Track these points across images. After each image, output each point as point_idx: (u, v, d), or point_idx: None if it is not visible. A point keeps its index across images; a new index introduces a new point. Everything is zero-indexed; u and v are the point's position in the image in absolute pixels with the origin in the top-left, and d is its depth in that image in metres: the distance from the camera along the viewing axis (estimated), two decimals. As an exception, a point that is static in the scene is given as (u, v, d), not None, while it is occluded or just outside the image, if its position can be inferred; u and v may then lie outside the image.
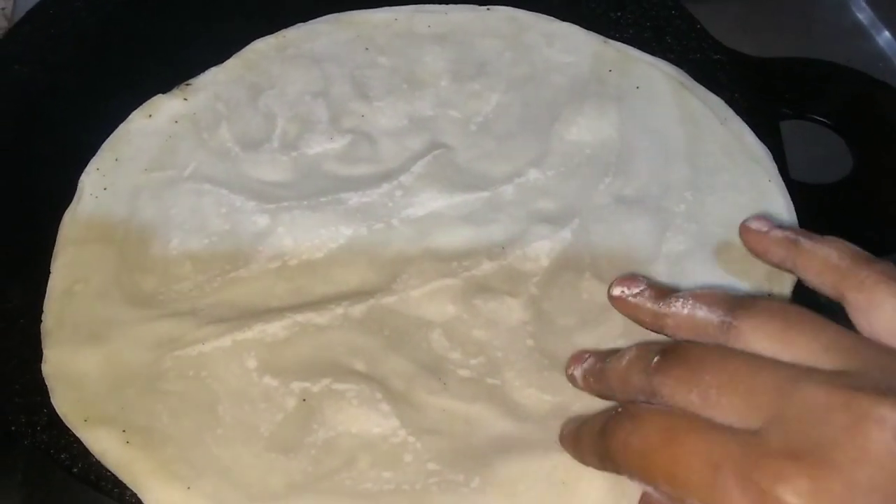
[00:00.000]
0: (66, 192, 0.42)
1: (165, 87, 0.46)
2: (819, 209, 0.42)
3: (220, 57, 0.47)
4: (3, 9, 0.57)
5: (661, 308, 0.32)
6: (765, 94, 0.46)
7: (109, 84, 0.46)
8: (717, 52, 0.47)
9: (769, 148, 0.43)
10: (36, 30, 0.46)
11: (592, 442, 0.30)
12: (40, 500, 0.35)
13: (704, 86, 0.46)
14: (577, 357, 0.35)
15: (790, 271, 0.33)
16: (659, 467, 0.27)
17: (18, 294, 0.39)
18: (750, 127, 0.44)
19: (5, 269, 0.40)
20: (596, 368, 0.33)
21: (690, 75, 0.47)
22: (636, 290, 0.34)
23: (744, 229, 0.35)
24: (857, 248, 0.32)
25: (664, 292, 0.33)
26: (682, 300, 0.32)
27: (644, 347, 0.31)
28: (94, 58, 0.47)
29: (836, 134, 0.45)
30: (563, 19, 0.49)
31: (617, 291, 0.34)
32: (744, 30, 0.58)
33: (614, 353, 0.32)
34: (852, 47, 0.59)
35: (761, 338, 0.28)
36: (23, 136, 0.44)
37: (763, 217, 0.35)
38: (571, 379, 0.35)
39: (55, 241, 0.41)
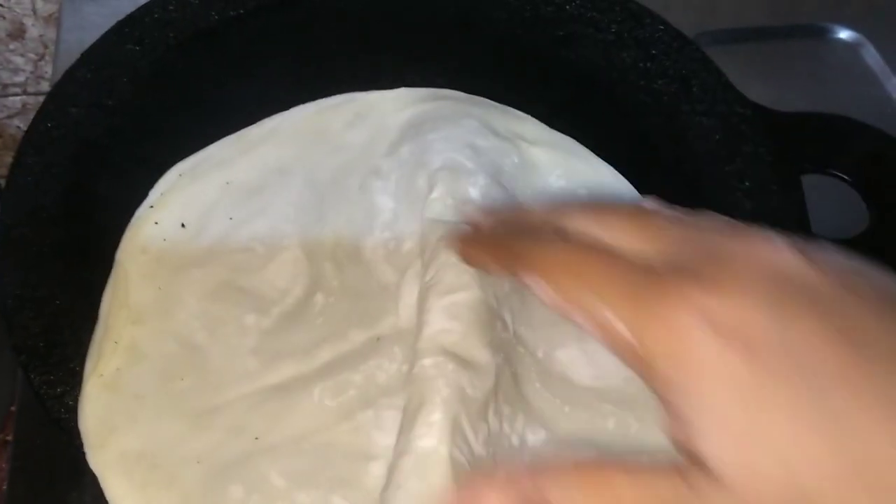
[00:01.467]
0: (119, 231, 0.44)
1: (208, 128, 0.48)
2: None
3: (259, 100, 0.49)
4: (41, 35, 0.58)
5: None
6: (787, 148, 0.48)
7: (159, 125, 0.48)
8: (743, 106, 0.49)
9: (792, 201, 0.46)
10: (92, 72, 0.47)
11: (501, 247, 0.34)
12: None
13: (731, 139, 0.48)
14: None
15: None
16: (589, 279, 0.29)
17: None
18: (773, 180, 0.47)
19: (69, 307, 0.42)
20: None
21: (717, 127, 0.49)
22: None
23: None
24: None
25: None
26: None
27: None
28: (149, 100, 0.48)
29: (854, 189, 0.48)
30: (596, 68, 0.52)
31: None
32: (754, 75, 0.60)
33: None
34: (863, 94, 0.61)
35: None
36: (79, 176, 0.45)
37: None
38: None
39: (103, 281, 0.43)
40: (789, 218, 0.45)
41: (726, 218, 0.30)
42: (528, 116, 0.50)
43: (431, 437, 0.33)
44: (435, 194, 0.43)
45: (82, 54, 0.48)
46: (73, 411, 0.37)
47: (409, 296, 0.42)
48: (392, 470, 0.34)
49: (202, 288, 0.43)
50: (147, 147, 0.47)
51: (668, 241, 0.29)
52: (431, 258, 0.39)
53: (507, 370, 0.38)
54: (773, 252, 0.27)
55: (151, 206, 0.45)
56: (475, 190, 0.44)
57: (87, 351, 0.40)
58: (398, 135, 0.48)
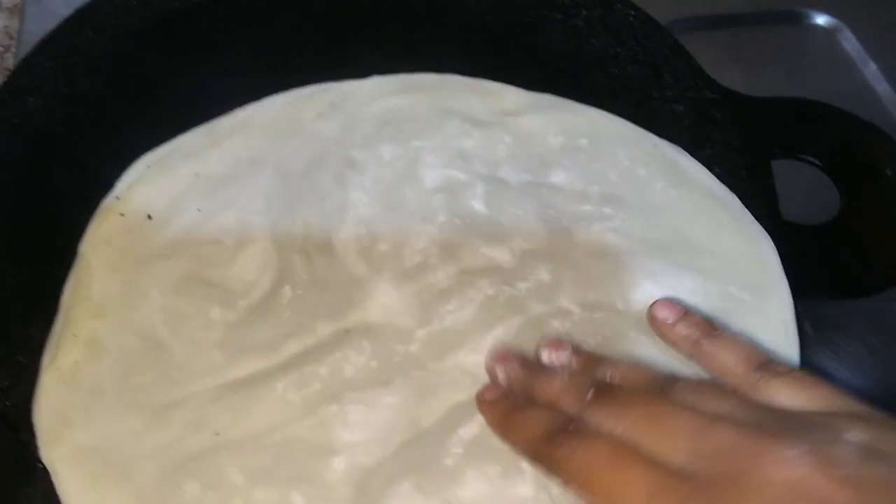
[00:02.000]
0: (81, 223, 0.43)
1: (178, 118, 0.47)
2: (808, 249, 0.44)
3: (230, 90, 0.48)
4: (5, 26, 0.57)
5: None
6: (757, 133, 0.47)
7: (123, 116, 0.47)
8: (713, 91, 0.48)
9: (762, 187, 0.45)
10: (48, 60, 0.46)
11: (531, 440, 0.34)
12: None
13: (702, 123, 0.48)
14: (503, 356, 0.38)
15: None
16: (601, 486, 0.31)
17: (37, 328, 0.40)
18: (743, 166, 0.46)
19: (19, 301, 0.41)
20: (522, 377, 0.37)
21: (687, 113, 0.48)
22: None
23: (651, 317, 0.39)
24: (753, 351, 0.35)
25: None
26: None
27: (577, 378, 0.35)
28: (108, 89, 0.47)
29: (825, 175, 0.47)
30: (566, 53, 0.51)
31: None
32: (733, 60, 0.60)
33: (538, 365, 0.37)
34: (840, 79, 0.60)
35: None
36: (38, 167, 0.45)
37: (670, 303, 0.38)
38: (491, 371, 0.38)
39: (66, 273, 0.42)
40: (759, 204, 0.44)
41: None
42: (503, 85, 0.49)
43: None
44: (442, 218, 0.43)
45: (39, 42, 0.47)
46: (18, 405, 0.37)
47: (385, 295, 0.41)
48: None
49: (167, 281, 0.42)
50: (111, 138, 0.46)
51: (686, 452, 0.30)
52: None
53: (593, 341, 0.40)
54: (788, 469, 0.28)
55: (117, 198, 0.45)
56: (477, 201, 0.44)
57: (41, 344, 0.39)
58: (375, 128, 0.48)
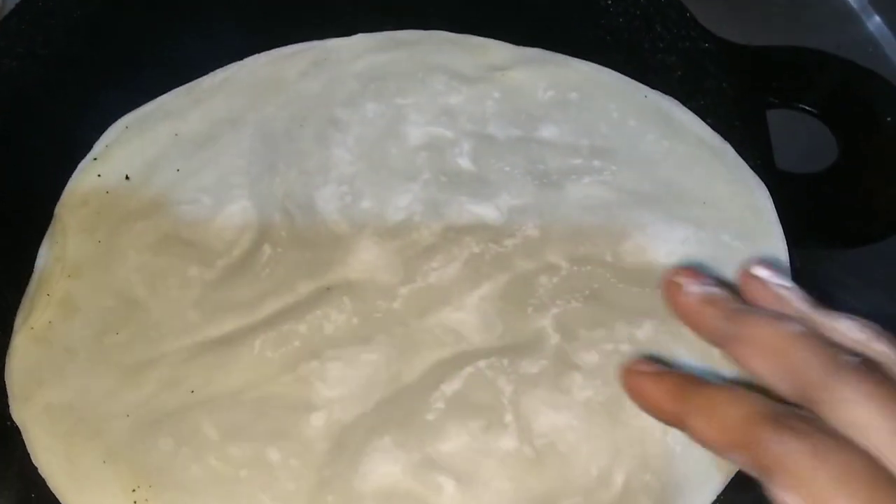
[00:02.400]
0: (57, 186, 0.43)
1: (159, 81, 0.46)
2: (804, 199, 0.42)
3: (213, 51, 0.47)
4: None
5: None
6: (752, 82, 0.46)
7: (102, 78, 0.46)
8: (706, 41, 0.47)
9: (756, 136, 0.43)
10: (25, 23, 0.46)
11: (738, 417, 0.26)
12: (37, 495, 0.35)
13: (694, 73, 0.46)
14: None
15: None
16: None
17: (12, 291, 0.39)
18: (737, 115, 0.44)
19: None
20: (731, 307, 0.30)
21: (679, 64, 0.47)
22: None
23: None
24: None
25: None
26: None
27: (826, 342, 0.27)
28: (86, 51, 0.46)
29: (822, 123, 0.45)
30: (555, 5, 0.49)
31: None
32: (732, 15, 0.58)
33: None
34: (843, 33, 0.58)
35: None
36: (13, 130, 0.44)
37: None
38: (675, 290, 0.32)
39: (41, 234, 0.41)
40: (753, 154, 0.43)
41: None
42: (490, 40, 0.48)
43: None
44: (426, 175, 0.42)
45: (17, 5, 0.46)
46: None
47: (366, 252, 0.40)
48: None
49: (144, 241, 0.41)
50: (89, 99, 0.45)
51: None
52: None
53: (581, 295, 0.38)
54: None
55: (95, 159, 0.44)
56: (463, 159, 0.43)
57: (15, 308, 0.38)
58: (359, 86, 0.46)
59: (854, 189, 0.43)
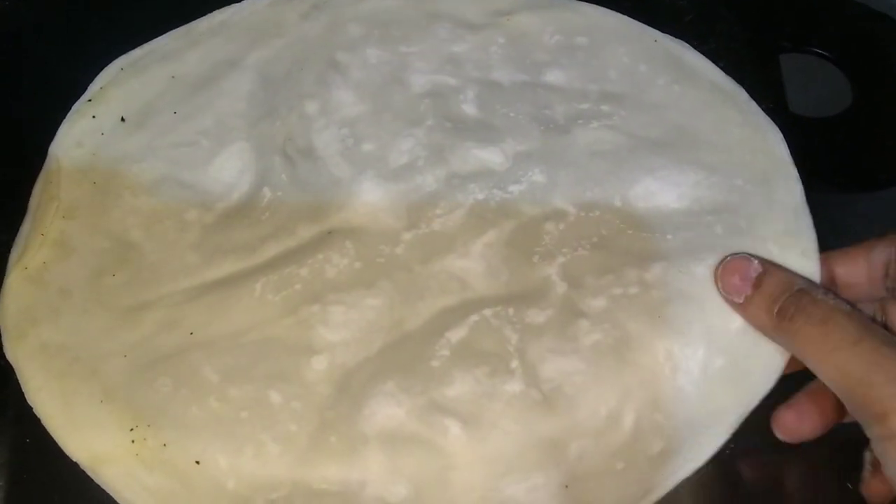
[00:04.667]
0: (48, 129, 0.41)
1: (155, 22, 0.45)
2: (818, 143, 0.41)
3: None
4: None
5: None
6: (765, 25, 0.44)
7: (95, 19, 0.45)
8: (717, -17, 0.46)
9: (769, 80, 0.42)
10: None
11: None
12: (32, 439, 0.34)
13: (705, 17, 0.45)
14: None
15: None
16: None
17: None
18: (749, 59, 0.43)
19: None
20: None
21: (690, 7, 0.45)
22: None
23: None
24: None
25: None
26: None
27: None
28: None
29: (836, 67, 0.44)
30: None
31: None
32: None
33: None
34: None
35: None
36: (6, 71, 0.42)
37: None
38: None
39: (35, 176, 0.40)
40: (766, 98, 0.42)
41: None
42: (497, -20, 0.46)
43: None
44: (430, 122, 0.41)
45: (8, -55, 0.44)
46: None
47: (369, 194, 0.39)
48: None
49: (140, 182, 0.40)
50: (81, 40, 0.44)
51: None
52: None
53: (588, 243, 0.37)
54: None
55: (89, 100, 0.43)
56: (468, 105, 0.42)
57: (8, 248, 0.37)
58: (361, 31, 0.45)
59: (868, 133, 0.42)
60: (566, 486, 0.32)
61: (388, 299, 0.36)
